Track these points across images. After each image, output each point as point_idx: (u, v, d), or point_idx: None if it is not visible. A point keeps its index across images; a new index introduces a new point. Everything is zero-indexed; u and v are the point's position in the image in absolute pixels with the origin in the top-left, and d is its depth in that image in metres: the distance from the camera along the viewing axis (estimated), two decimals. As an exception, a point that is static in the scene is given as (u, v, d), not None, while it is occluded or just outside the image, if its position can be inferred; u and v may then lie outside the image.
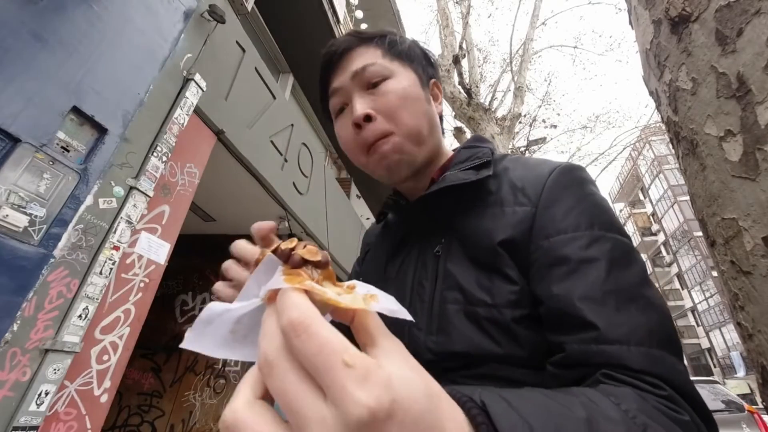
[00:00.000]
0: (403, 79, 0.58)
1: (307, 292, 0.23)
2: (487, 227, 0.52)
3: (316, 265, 0.27)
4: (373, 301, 0.24)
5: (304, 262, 0.26)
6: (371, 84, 0.57)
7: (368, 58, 0.58)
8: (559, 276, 0.44)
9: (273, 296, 0.24)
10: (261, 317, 0.24)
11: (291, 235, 0.26)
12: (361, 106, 0.55)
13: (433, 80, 0.65)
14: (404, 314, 0.25)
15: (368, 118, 0.55)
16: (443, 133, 0.69)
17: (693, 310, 29.24)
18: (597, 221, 0.47)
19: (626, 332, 0.38)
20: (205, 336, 0.27)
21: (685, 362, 0.41)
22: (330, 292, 0.24)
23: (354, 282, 0.28)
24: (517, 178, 0.55)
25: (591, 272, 0.43)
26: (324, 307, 0.23)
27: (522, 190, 0.52)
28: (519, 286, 0.47)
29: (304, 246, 0.28)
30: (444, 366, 0.49)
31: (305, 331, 0.20)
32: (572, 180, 0.51)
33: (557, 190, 0.50)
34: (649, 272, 0.46)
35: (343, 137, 0.60)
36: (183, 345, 0.27)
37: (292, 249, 0.27)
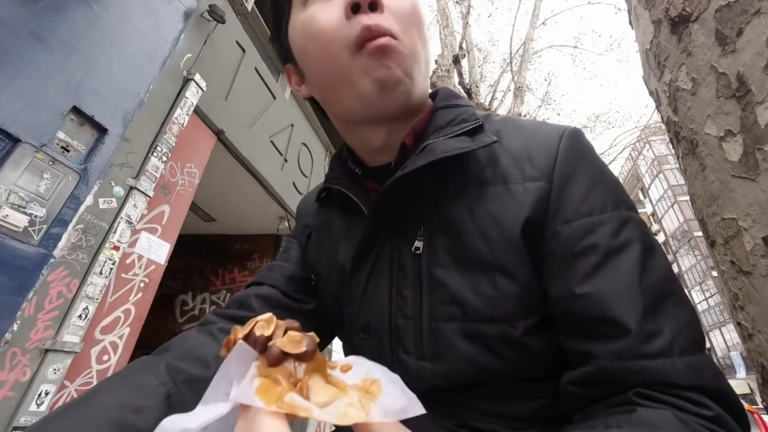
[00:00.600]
0: None
1: (287, 412, 0.19)
2: (493, 212, 0.41)
3: (300, 358, 0.21)
4: (372, 399, 0.21)
5: (285, 356, 0.21)
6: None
7: None
8: (586, 270, 0.36)
9: (246, 407, 0.20)
10: (230, 427, 0.20)
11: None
12: None
13: None
14: (416, 407, 0.22)
15: (374, 6, 0.41)
16: None
17: (693, 310, 29.17)
18: (622, 199, 0.40)
19: (669, 341, 0.33)
20: None
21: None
22: (316, 410, 0.19)
23: (350, 360, 0.24)
24: (519, 146, 0.44)
25: (624, 265, 0.36)
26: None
27: (529, 160, 0.42)
28: (521, 287, 0.39)
29: (285, 331, 0.23)
30: (440, 388, 0.41)
31: None
32: (586, 149, 0.43)
33: (572, 161, 0.41)
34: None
35: (317, 23, 0.42)
36: None
37: (269, 337, 0.22)
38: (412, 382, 0.39)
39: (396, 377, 0.23)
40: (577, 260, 0.37)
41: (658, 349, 0.32)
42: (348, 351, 0.52)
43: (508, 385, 0.40)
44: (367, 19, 0.40)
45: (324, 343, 0.54)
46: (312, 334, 0.23)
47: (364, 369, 0.23)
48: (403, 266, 0.44)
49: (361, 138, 0.49)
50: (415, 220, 0.45)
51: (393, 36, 0.41)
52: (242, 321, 0.46)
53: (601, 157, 0.44)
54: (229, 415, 0.21)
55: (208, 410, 0.21)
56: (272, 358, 0.21)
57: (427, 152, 0.42)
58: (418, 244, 0.43)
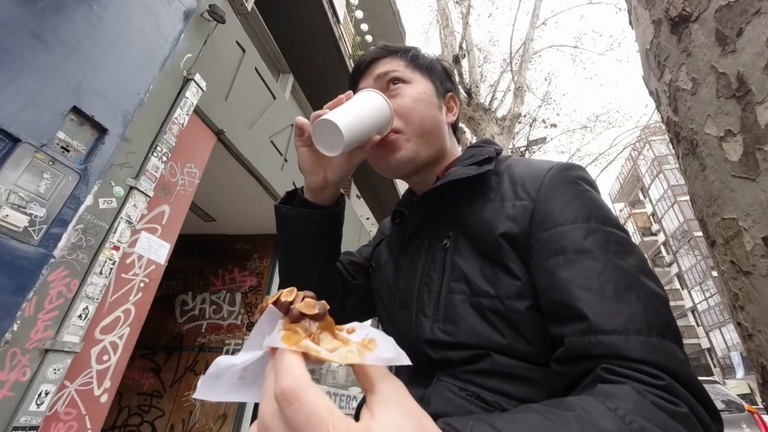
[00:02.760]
0: (420, 86, 0.64)
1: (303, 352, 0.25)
2: (488, 220, 0.54)
3: (314, 318, 0.28)
4: (368, 350, 0.26)
5: (302, 316, 0.28)
6: (391, 86, 0.63)
7: (392, 66, 0.65)
8: (557, 266, 0.45)
9: (274, 350, 0.26)
10: (265, 365, 0.27)
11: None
12: None
13: (450, 93, 0.70)
14: (402, 359, 0.27)
15: None
16: (458, 141, 0.74)
17: (693, 310, 29.24)
18: (594, 214, 0.48)
19: (624, 321, 0.39)
20: (215, 387, 0.30)
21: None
22: (324, 351, 0.26)
23: (354, 325, 0.30)
24: (518, 175, 0.57)
25: (587, 262, 0.44)
26: (321, 362, 0.26)
27: (522, 185, 0.55)
28: (522, 281, 0.49)
29: (303, 299, 0.30)
30: (447, 359, 0.51)
31: (296, 400, 0.22)
32: (570, 177, 0.53)
33: (555, 185, 0.52)
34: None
35: None
36: (196, 395, 0.30)
37: (291, 302, 0.29)
38: (423, 335, 0.54)
39: (390, 338, 0.28)
40: (551, 259, 0.46)
41: (613, 327, 0.39)
42: (386, 323, 0.67)
43: (507, 363, 0.47)
44: None
45: (363, 317, 0.78)
46: (323, 301, 0.30)
47: (364, 331, 0.29)
48: (434, 256, 0.59)
49: (410, 183, 0.71)
50: (448, 225, 0.59)
51: (396, 131, 0.60)
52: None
53: (597, 190, 0.54)
54: (262, 358, 0.29)
55: (248, 354, 0.29)
56: (293, 316, 0.28)
57: (446, 177, 0.59)
58: (447, 241, 0.58)
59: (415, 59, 0.67)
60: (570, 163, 0.56)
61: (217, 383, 0.29)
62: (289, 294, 0.30)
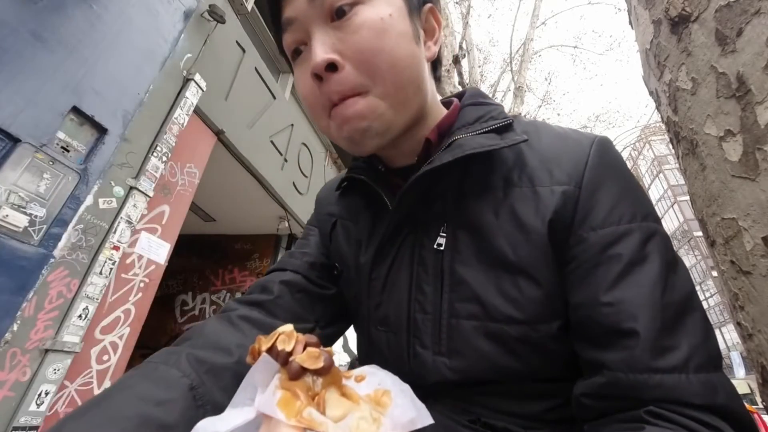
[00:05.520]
0: (381, 5, 0.40)
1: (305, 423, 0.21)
2: (520, 214, 0.40)
3: (318, 372, 0.24)
4: (383, 413, 0.22)
5: (303, 371, 0.23)
6: (336, 12, 0.39)
7: None
8: (609, 279, 0.36)
9: (268, 416, 0.22)
10: (256, 429, 0.23)
11: (281, 331, 0.26)
12: (322, 48, 0.39)
13: (428, 5, 0.47)
14: (424, 418, 0.23)
15: (332, 67, 0.39)
16: (438, 79, 0.52)
17: (693, 310, 29.19)
18: (650, 212, 0.39)
19: (685, 357, 0.32)
20: None
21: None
22: (331, 426, 0.21)
23: (363, 371, 0.25)
24: (548, 149, 0.43)
25: (647, 277, 0.35)
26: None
27: (558, 164, 0.41)
28: (552, 294, 0.39)
29: (304, 347, 0.25)
30: (450, 388, 0.42)
31: None
32: (616, 158, 0.42)
33: (602, 169, 0.40)
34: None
35: (302, 91, 0.44)
36: None
37: (290, 353, 0.24)
38: (427, 375, 0.42)
39: (406, 387, 0.24)
40: (601, 268, 0.37)
41: (673, 364, 0.32)
42: (363, 341, 0.52)
43: (523, 384, 0.40)
44: (327, 87, 0.40)
45: (343, 328, 0.57)
46: (329, 349, 0.25)
47: (376, 379, 0.25)
48: (424, 262, 0.44)
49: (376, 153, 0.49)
50: (439, 216, 0.44)
51: (357, 90, 0.40)
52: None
53: (629, 169, 0.43)
54: (254, 420, 0.23)
55: (235, 414, 0.24)
56: (293, 372, 0.23)
57: (455, 147, 0.41)
58: (440, 240, 0.43)
59: None
60: (607, 138, 0.44)
61: None
62: (287, 340, 0.25)
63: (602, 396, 0.34)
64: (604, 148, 0.42)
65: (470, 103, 0.48)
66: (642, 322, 0.33)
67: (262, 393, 0.23)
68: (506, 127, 0.43)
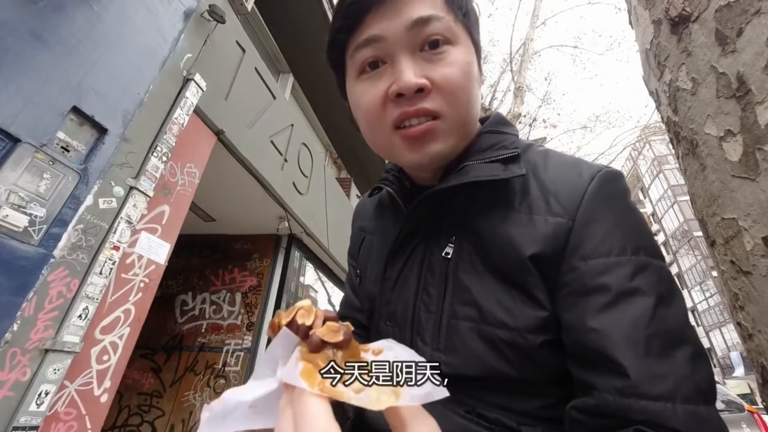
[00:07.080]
0: (467, 51, 0.46)
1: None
2: (512, 235, 0.44)
3: (337, 346, 0.24)
4: (402, 390, 0.23)
5: (324, 344, 0.24)
6: (430, 44, 0.44)
7: (431, 7, 0.44)
8: (597, 308, 0.38)
9: (289, 386, 0.23)
10: (277, 400, 0.24)
11: (294, 307, 0.28)
12: (414, 72, 0.43)
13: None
14: (440, 392, 0.24)
15: (420, 90, 0.43)
16: None
17: (693, 310, 29.23)
18: (644, 244, 0.41)
19: (672, 387, 0.33)
20: (223, 425, 0.25)
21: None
22: (353, 395, 0.22)
23: (381, 344, 0.26)
24: (550, 180, 0.46)
25: (634, 308, 0.37)
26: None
27: (556, 196, 0.45)
28: (548, 312, 0.41)
29: (324, 321, 0.26)
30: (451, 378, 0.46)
31: None
32: (615, 191, 0.44)
33: (598, 202, 0.43)
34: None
35: (364, 103, 0.47)
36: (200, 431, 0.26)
37: (310, 326, 0.25)
38: None
39: (422, 361, 0.25)
40: (589, 297, 0.39)
41: (659, 393, 0.33)
42: (374, 335, 0.58)
43: (516, 383, 0.42)
44: (408, 104, 0.44)
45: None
46: (347, 323, 0.26)
47: (393, 354, 0.25)
48: (432, 267, 0.49)
49: (408, 170, 0.57)
50: (449, 229, 0.49)
51: (434, 116, 0.44)
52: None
53: (630, 202, 0.45)
54: (276, 390, 0.25)
55: (258, 385, 0.25)
56: (313, 345, 0.24)
57: (463, 174, 0.47)
58: (448, 249, 0.48)
59: (455, 1, 0.46)
60: (612, 172, 0.45)
61: (226, 422, 0.26)
62: (306, 314, 0.26)
63: (592, 414, 0.36)
64: (605, 181, 0.44)
65: (488, 131, 0.52)
66: (624, 352, 0.35)
67: (284, 365, 0.24)
68: (513, 158, 0.47)
